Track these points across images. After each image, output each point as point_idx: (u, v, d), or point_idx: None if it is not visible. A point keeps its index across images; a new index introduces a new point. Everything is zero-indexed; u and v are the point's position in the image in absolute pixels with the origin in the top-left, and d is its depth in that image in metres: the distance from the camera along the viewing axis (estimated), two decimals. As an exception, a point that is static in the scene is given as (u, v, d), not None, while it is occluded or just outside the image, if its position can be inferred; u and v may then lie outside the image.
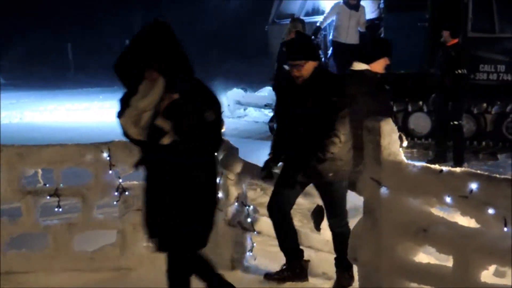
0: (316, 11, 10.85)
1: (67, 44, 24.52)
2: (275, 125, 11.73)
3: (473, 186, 2.72)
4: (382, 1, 9.85)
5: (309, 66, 3.95)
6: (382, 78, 4.57)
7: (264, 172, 4.19)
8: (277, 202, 4.15)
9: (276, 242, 4.23)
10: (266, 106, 13.92)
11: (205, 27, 24.45)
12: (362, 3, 9.75)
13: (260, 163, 4.29)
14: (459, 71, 7.91)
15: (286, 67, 4.83)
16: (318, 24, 10.24)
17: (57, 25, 25.20)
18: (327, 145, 3.87)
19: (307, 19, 10.80)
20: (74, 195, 4.41)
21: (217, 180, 4.16)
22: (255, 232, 4.45)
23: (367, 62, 4.46)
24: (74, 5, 25.90)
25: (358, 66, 4.48)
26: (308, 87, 3.98)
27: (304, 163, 3.95)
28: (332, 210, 4.13)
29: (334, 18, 9.82)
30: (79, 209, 4.49)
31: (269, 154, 4.25)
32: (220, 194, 4.20)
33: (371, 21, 9.95)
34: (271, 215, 4.20)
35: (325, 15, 10.07)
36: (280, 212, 4.15)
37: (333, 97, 3.89)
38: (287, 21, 11.29)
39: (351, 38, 9.61)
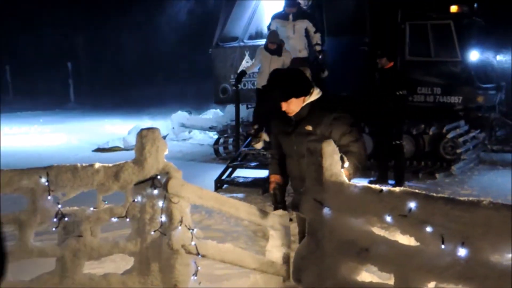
0: (259, 35, 10.95)
1: (6, 66, 23.84)
2: (220, 148, 11.87)
3: (412, 205, 2.79)
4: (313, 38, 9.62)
5: None
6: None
7: None
8: None
9: (221, 265, 4.16)
10: (211, 128, 13.93)
11: (150, 50, 24.34)
12: (291, 41, 9.39)
13: (205, 186, 4.25)
14: (400, 93, 8.19)
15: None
16: (244, 68, 9.82)
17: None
18: None
19: (251, 43, 10.91)
20: (10, 222, 4.24)
21: (161, 204, 4.14)
22: (200, 256, 4.40)
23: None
24: (13, 26, 25.23)
25: None
26: None
27: None
28: None
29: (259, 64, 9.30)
30: (16, 237, 4.31)
31: None
32: (163, 218, 4.14)
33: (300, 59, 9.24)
34: None
35: (253, 61, 9.68)
36: None
37: None
38: (231, 44, 11.38)
39: None
